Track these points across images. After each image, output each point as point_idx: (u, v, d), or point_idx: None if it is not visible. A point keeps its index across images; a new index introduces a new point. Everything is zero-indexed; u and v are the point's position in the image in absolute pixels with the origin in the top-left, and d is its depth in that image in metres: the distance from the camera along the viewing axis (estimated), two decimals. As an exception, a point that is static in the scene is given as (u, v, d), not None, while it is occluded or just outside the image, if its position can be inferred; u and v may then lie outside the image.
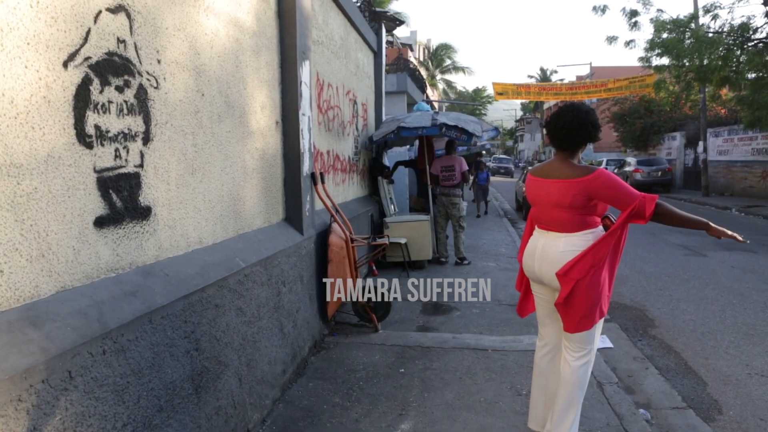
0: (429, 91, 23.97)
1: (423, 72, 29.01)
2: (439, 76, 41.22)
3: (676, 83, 18.95)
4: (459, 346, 4.67)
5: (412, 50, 28.60)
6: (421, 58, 37.79)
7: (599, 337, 3.02)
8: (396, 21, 11.84)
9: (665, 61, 17.69)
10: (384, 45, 9.43)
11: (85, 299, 2.00)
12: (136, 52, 2.38)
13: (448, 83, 43.15)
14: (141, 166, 2.41)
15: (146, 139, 2.45)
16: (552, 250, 2.87)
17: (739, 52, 16.47)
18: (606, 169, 2.93)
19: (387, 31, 10.48)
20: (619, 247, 2.86)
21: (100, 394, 1.95)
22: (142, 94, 2.41)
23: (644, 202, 2.65)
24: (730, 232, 2.78)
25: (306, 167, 4.52)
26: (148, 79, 2.46)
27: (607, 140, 35.11)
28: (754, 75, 16.69)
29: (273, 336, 3.70)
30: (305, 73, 4.50)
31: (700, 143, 21.81)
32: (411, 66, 17.27)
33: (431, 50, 41.71)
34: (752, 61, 16.15)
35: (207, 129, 3.04)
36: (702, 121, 21.73)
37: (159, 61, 2.55)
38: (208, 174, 3.06)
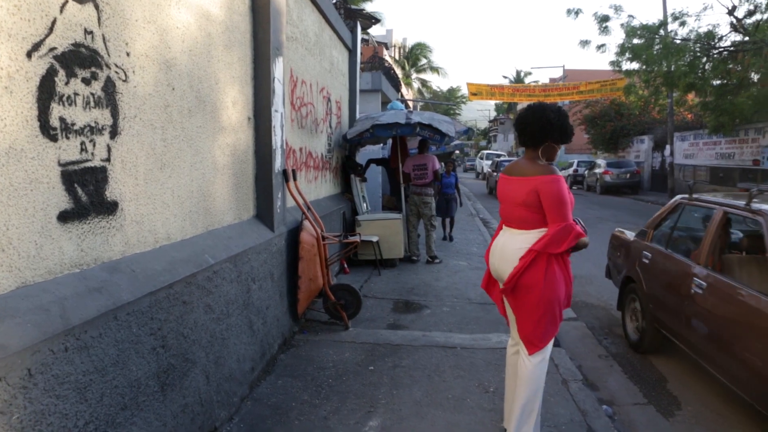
0: (404, 90, 24.02)
1: (398, 71, 29.07)
2: (414, 75, 41.32)
3: (645, 88, 19.40)
4: (429, 344, 4.71)
5: (387, 49, 28.62)
6: (397, 57, 37.83)
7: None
8: (371, 19, 11.83)
9: (635, 65, 18.09)
10: (359, 43, 9.42)
11: (47, 295, 1.96)
12: (104, 43, 2.34)
13: (423, 82, 43.29)
14: (108, 160, 2.37)
15: (114, 133, 2.41)
16: (509, 248, 2.93)
17: (704, 60, 16.93)
18: (566, 177, 2.97)
19: (362, 29, 10.47)
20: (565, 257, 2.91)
21: (61, 392, 1.91)
22: (109, 87, 2.37)
23: (566, 232, 2.73)
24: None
25: (278, 164, 4.50)
26: (116, 72, 2.42)
27: (578, 142, 35.69)
28: (718, 82, 17.18)
29: (242, 333, 3.68)
30: (278, 69, 4.48)
31: (667, 147, 22.34)
32: (386, 65, 17.25)
33: (407, 49, 41.78)
34: (717, 69, 16.62)
35: (177, 124, 3.00)
36: (669, 125, 22.27)
37: (128, 54, 2.51)
38: (178, 169, 3.02)
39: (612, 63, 18.60)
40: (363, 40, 13.48)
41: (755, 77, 16.27)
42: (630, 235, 5.63)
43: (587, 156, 33.61)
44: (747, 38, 16.15)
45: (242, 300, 3.71)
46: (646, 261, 4.89)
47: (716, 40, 16.75)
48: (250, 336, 3.82)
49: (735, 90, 16.53)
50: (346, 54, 8.75)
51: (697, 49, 16.86)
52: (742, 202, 3.90)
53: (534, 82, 43.68)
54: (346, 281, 6.03)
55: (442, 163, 9.74)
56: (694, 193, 4.71)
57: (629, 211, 17.23)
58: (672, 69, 16.71)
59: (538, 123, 2.86)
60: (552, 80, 42.45)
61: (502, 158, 27.34)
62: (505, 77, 55.62)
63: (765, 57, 14.79)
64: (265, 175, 4.36)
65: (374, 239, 7.22)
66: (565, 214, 2.74)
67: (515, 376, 3.10)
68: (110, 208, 2.40)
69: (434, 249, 8.16)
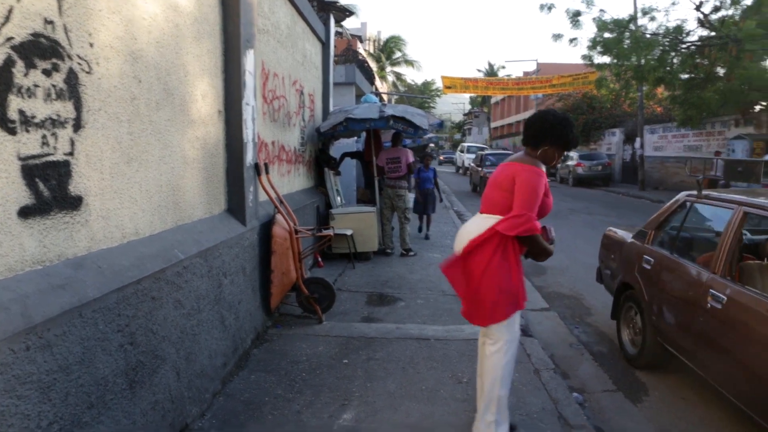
0: (378, 83, 23.96)
1: (373, 64, 28.98)
2: (388, 69, 41.24)
3: (616, 81, 19.72)
4: (403, 337, 4.73)
5: (361, 42, 28.47)
6: (371, 50, 37.69)
7: (515, 331, 3.03)
8: (345, 12, 11.74)
9: (606, 59, 18.36)
10: (333, 36, 9.36)
11: (7, 293, 1.91)
12: (66, 34, 2.28)
13: (398, 76, 43.25)
14: (71, 153, 2.32)
15: (77, 126, 2.35)
16: (470, 228, 2.98)
17: (673, 54, 17.27)
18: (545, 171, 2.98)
19: (336, 21, 10.39)
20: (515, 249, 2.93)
21: (22, 392, 1.87)
22: (72, 79, 2.31)
23: (523, 221, 2.77)
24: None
25: (249, 158, 4.45)
26: (79, 63, 2.36)
27: (551, 135, 36.05)
28: (686, 76, 17.55)
29: (214, 328, 3.64)
30: (249, 61, 4.42)
31: (638, 139, 22.77)
32: (360, 57, 17.19)
33: (381, 42, 41.65)
34: (685, 63, 16.98)
35: (144, 117, 2.95)
36: (639, 118, 22.69)
37: (92, 45, 2.45)
38: (146, 163, 2.97)
39: (584, 57, 18.88)
40: (337, 32, 13.40)
41: (721, 72, 16.66)
42: (625, 235, 5.10)
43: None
44: (713, 33, 16.52)
45: (213, 295, 3.67)
46: (648, 267, 4.33)
47: (684, 35, 17.10)
48: (221, 331, 3.79)
49: (702, 84, 16.91)
50: (320, 47, 8.68)
51: (666, 43, 17.19)
52: (765, 201, 3.44)
53: (507, 75, 43.97)
54: (320, 275, 6.01)
55: (417, 158, 9.58)
56: (702, 189, 4.17)
57: (601, 203, 17.53)
58: (642, 63, 17.02)
59: (538, 125, 2.99)
60: (526, 74, 42.82)
61: (487, 152, 24.75)
62: (479, 71, 55.93)
63: (730, 52, 15.15)
64: (236, 169, 4.31)
65: (348, 233, 7.21)
66: (531, 204, 2.80)
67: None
68: (74, 203, 2.34)
69: (408, 242, 8.19)
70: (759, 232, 4.18)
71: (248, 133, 4.41)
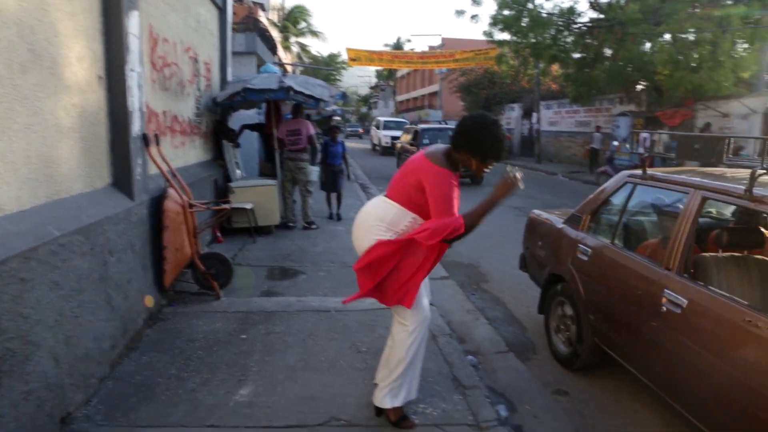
0: (282, 53, 23.23)
1: (276, 34, 28.05)
2: (293, 39, 40.16)
3: (515, 58, 20.49)
4: (303, 309, 4.72)
5: (264, 10, 27.44)
6: (275, 20, 36.50)
7: (423, 315, 2.95)
8: (244, -24, 11.25)
9: (506, 36, 19.00)
10: (230, 1, 8.93)
11: None
12: None
13: (303, 47, 42.25)
14: None
15: None
16: (370, 214, 2.94)
17: (566, 34, 18.17)
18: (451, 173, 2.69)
19: (234, -15, 9.93)
20: (430, 257, 2.84)
21: None
22: None
23: (457, 225, 2.66)
24: (502, 185, 2.78)
25: (136, 128, 4.18)
26: None
27: (455, 108, 37.10)
28: (578, 55, 18.56)
29: (99, 310, 3.43)
30: (134, 24, 4.12)
31: (535, 114, 23.92)
32: (261, 26, 16.56)
33: (285, 12, 40.42)
34: (576, 43, 17.95)
35: (5, 80, 2.67)
36: (536, 94, 23.81)
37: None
38: (9, 132, 2.70)
39: (485, 33, 19.42)
40: (236, -2, 12.80)
41: (608, 52, 17.77)
42: (553, 219, 4.54)
43: (463, 123, 35.02)
44: (602, 16, 17.55)
45: (98, 274, 3.44)
46: (584, 258, 3.80)
47: (576, 16, 18.02)
48: (109, 312, 3.57)
49: (592, 63, 17.94)
50: (216, 12, 8.26)
51: (560, 23, 18.03)
52: (732, 185, 2.89)
53: (412, 49, 44.34)
54: (220, 250, 5.83)
55: (320, 130, 9.31)
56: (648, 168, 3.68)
57: (500, 175, 18.24)
58: (538, 41, 17.78)
59: (459, 126, 2.81)
60: (431, 48, 43.41)
61: (423, 127, 19.39)
62: (386, 45, 56.00)
63: (615, 34, 16.18)
64: (121, 140, 4.04)
65: (248, 206, 7.03)
66: (449, 208, 2.68)
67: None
68: None
69: (311, 215, 8.13)
70: (730, 221, 3.73)
71: (134, 102, 4.13)
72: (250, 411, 3.13)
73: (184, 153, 6.25)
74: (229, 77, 8.60)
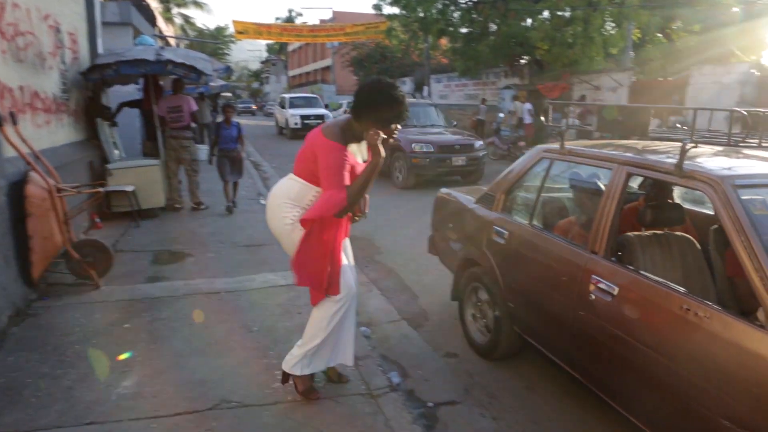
0: (164, 26, 21.83)
1: (156, 4, 26.28)
2: (175, 10, 37.84)
3: (405, 32, 20.73)
4: (191, 293, 4.54)
5: (140, -24, 25.55)
6: (154, -12, 34.09)
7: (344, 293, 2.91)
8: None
9: (395, 10, 19.13)
10: (96, -36, 8.18)
11: None
12: None
13: (187, 19, 39.94)
14: None
15: None
16: (278, 194, 2.89)
17: (453, 9, 18.61)
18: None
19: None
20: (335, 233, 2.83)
21: None
22: None
23: (338, 199, 2.63)
24: (371, 148, 2.69)
25: (-15, 105, 3.75)
26: None
27: (348, 83, 37.00)
28: (465, 30, 19.11)
29: (-50, 309, 3.08)
30: (-28, -13, 3.66)
31: (425, 88, 24.39)
32: (138, -6, 15.41)
33: (165, -21, 37.87)
34: (463, 18, 18.46)
35: None
36: (426, 68, 24.29)
37: None
38: None
39: (375, 6, 19.45)
40: (105, -37, 11.76)
41: (493, 27, 18.45)
42: (464, 199, 4.21)
43: (358, 97, 35.06)
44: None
45: (-54, 270, 3.08)
46: (501, 241, 3.50)
47: (462, -9, 18.50)
48: (-37, 311, 3.22)
49: (478, 38, 18.56)
50: (80, -23, 7.55)
51: (447, -2, 18.44)
52: (657, 158, 2.75)
53: (304, 23, 43.44)
54: (100, 237, 5.44)
55: (207, 105, 8.75)
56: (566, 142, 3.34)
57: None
58: (426, 15, 18.08)
59: (357, 94, 2.71)
60: (322, 21, 42.77)
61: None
62: (278, 18, 54.35)
63: (499, 10, 16.82)
64: (-33, 119, 3.61)
65: (129, 189, 6.59)
66: (339, 182, 2.64)
67: None
68: None
69: (199, 194, 7.79)
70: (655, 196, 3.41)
71: (-21, 76, 3.69)
72: (134, 403, 2.97)
73: (50, 133, 5.71)
74: (100, 50, 7.93)
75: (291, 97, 25.10)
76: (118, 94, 8.89)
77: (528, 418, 3.10)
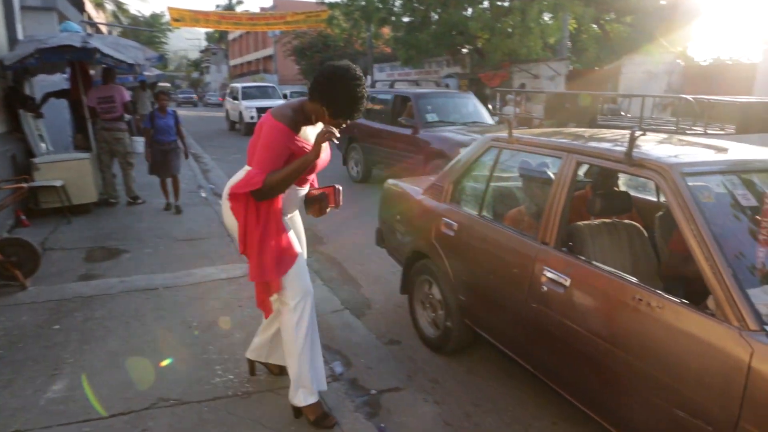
0: (93, 12, 20.78)
1: (84, -12, 24.98)
2: (107, -5, 36.15)
3: (347, 20, 20.58)
4: (127, 290, 4.38)
5: (66, -40, 24.22)
6: (82, -28, 32.44)
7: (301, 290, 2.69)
8: None
9: (336, -2, 18.95)
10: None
11: None
12: None
13: (119, 5, 38.19)
14: None
15: None
16: (228, 184, 2.72)
17: (393, -2, 18.63)
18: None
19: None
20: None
21: None
22: None
23: (255, 180, 2.48)
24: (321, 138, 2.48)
25: None
26: None
27: (290, 72, 36.50)
28: (407, 19, 19.16)
29: None
30: None
31: (368, 77, 24.32)
32: (63, -22, 14.59)
33: (94, -37, 36.08)
34: (405, 6, 18.50)
35: None
36: (369, 57, 24.21)
37: None
38: None
39: (315, -6, 19.19)
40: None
41: (435, 17, 18.58)
42: (411, 190, 4.10)
43: (300, 87, 34.60)
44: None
45: None
46: (450, 232, 3.42)
47: (402, -20, 18.50)
48: None
49: (420, 27, 18.64)
50: (-7, -45, 7.07)
51: (388, -14, 18.41)
52: (606, 146, 2.73)
53: (246, 11, 42.39)
54: (26, 235, 5.17)
55: (139, 98, 8.32)
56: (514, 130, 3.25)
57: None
58: (367, 3, 18.00)
59: (317, 74, 2.52)
60: (262, 9, 41.92)
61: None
62: (218, 6, 52.79)
63: (440, -1, 16.96)
64: None
65: (57, 183, 6.27)
66: (267, 163, 2.48)
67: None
68: None
69: (135, 188, 7.51)
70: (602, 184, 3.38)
71: None
72: (64, 407, 2.84)
73: (-36, 125, 5.36)
74: (20, 36, 7.48)
75: (244, 87, 21.91)
76: (43, 83, 8.42)
77: (470, 400, 3.15)
